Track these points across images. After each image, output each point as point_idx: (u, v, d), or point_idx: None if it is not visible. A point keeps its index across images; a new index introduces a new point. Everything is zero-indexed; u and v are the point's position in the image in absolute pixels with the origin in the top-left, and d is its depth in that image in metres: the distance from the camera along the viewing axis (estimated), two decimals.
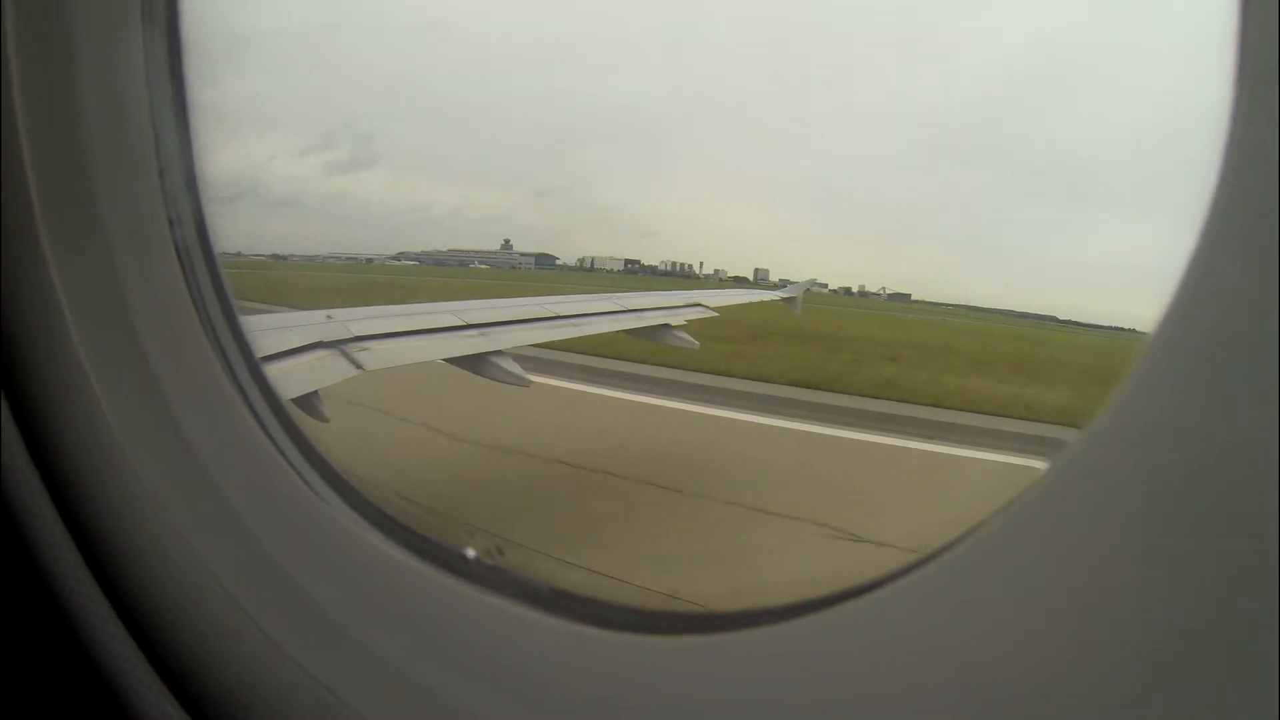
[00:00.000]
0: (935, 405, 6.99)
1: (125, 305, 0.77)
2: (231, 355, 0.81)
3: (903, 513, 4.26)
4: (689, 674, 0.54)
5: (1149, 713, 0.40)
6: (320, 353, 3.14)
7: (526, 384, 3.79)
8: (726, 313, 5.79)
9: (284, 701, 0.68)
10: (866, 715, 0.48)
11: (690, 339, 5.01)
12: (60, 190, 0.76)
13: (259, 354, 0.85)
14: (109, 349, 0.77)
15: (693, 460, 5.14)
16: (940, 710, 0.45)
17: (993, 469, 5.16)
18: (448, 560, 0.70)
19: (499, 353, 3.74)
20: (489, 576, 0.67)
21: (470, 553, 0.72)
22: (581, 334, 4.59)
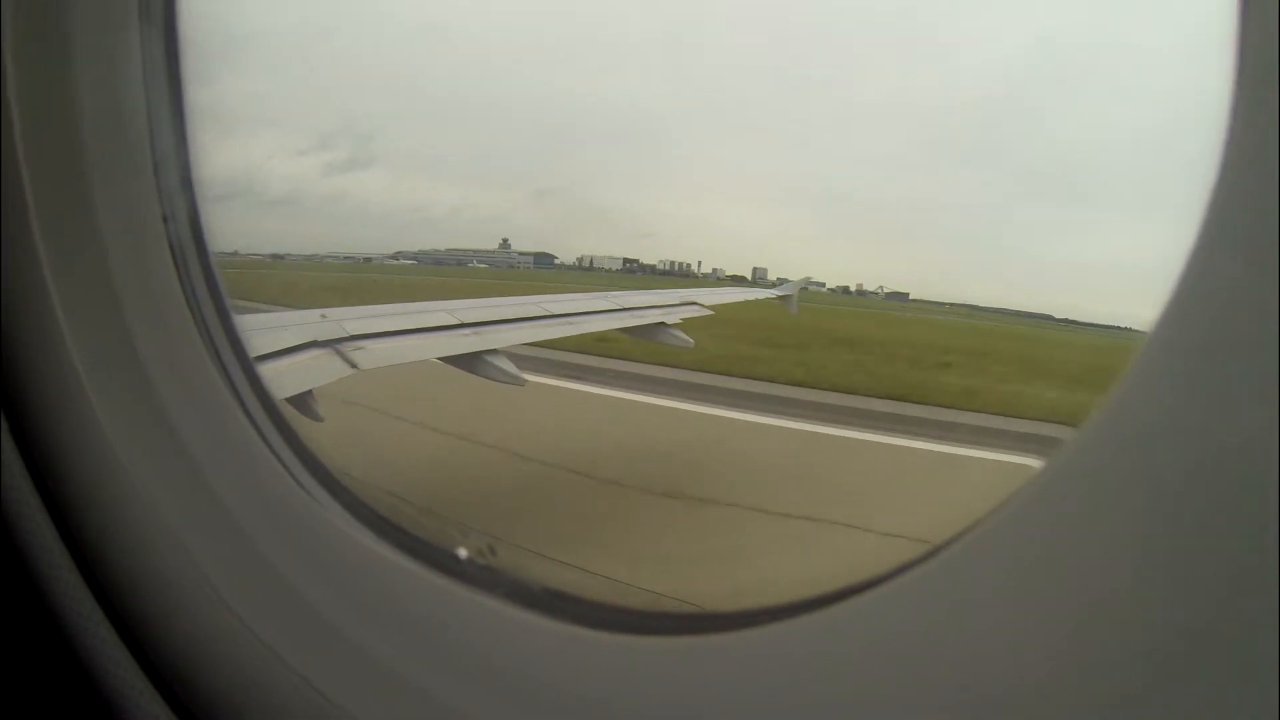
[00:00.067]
0: (900, 400, 7.08)
1: (119, 305, 0.77)
2: (225, 355, 0.80)
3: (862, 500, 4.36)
4: (683, 675, 0.54)
5: (1146, 711, 0.40)
6: (315, 352, 3.13)
7: (522, 383, 3.78)
8: (721, 311, 5.80)
9: (276, 703, 0.68)
10: (864, 714, 0.48)
11: (685, 337, 5.00)
12: (56, 189, 0.75)
13: (253, 353, 0.84)
14: (102, 348, 0.77)
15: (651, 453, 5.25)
16: (937, 709, 0.45)
17: (943, 460, 5.26)
18: (441, 561, 0.69)
19: (494, 351, 3.73)
20: (482, 577, 0.66)
21: (463, 553, 0.72)
22: (577, 332, 4.59)
